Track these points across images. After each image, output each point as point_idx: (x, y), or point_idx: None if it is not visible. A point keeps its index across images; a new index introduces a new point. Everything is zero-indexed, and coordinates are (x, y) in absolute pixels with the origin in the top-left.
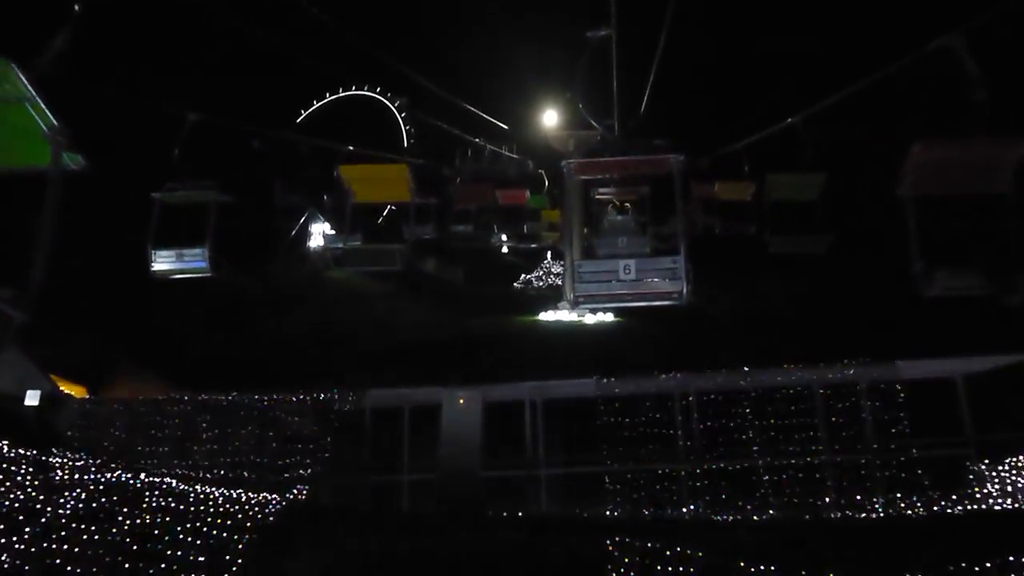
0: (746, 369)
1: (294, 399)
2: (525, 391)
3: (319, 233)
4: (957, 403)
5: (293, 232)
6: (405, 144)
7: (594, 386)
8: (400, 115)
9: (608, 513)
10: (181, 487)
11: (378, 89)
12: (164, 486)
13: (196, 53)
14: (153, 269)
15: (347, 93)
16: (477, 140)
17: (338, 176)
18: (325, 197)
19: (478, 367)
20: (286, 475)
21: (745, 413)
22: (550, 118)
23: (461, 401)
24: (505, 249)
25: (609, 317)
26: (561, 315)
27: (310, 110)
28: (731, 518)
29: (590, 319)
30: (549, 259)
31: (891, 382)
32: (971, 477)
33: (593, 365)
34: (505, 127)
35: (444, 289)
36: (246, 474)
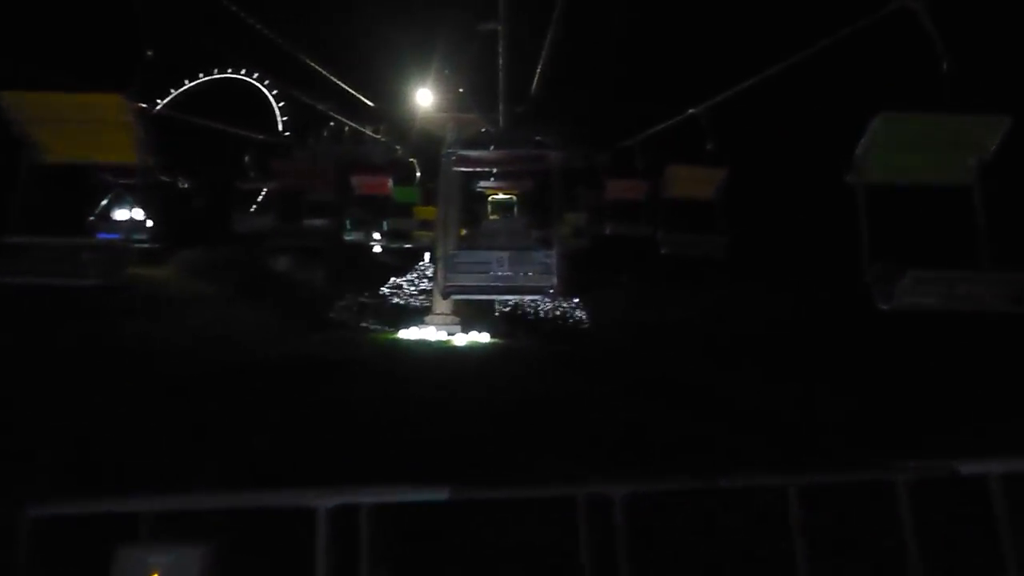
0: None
1: None
2: (313, 499)
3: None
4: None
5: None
6: (280, 127)
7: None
8: (272, 93)
9: None
10: None
11: (243, 71)
12: None
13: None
14: None
15: (220, 76)
16: (322, 108)
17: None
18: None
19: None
20: None
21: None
22: (425, 97)
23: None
24: (378, 248)
25: (485, 338)
26: (426, 333)
27: (174, 94)
28: None
29: (460, 340)
30: (426, 260)
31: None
32: None
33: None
34: (371, 104)
35: (291, 296)
36: None
